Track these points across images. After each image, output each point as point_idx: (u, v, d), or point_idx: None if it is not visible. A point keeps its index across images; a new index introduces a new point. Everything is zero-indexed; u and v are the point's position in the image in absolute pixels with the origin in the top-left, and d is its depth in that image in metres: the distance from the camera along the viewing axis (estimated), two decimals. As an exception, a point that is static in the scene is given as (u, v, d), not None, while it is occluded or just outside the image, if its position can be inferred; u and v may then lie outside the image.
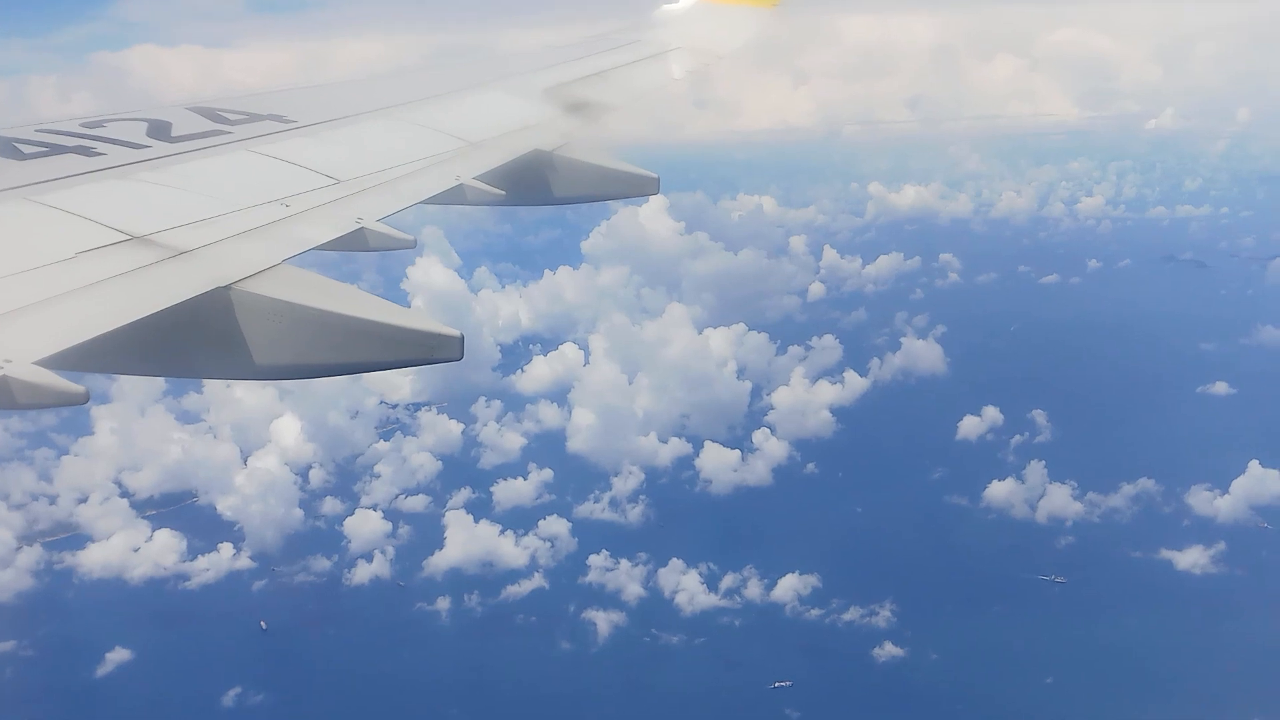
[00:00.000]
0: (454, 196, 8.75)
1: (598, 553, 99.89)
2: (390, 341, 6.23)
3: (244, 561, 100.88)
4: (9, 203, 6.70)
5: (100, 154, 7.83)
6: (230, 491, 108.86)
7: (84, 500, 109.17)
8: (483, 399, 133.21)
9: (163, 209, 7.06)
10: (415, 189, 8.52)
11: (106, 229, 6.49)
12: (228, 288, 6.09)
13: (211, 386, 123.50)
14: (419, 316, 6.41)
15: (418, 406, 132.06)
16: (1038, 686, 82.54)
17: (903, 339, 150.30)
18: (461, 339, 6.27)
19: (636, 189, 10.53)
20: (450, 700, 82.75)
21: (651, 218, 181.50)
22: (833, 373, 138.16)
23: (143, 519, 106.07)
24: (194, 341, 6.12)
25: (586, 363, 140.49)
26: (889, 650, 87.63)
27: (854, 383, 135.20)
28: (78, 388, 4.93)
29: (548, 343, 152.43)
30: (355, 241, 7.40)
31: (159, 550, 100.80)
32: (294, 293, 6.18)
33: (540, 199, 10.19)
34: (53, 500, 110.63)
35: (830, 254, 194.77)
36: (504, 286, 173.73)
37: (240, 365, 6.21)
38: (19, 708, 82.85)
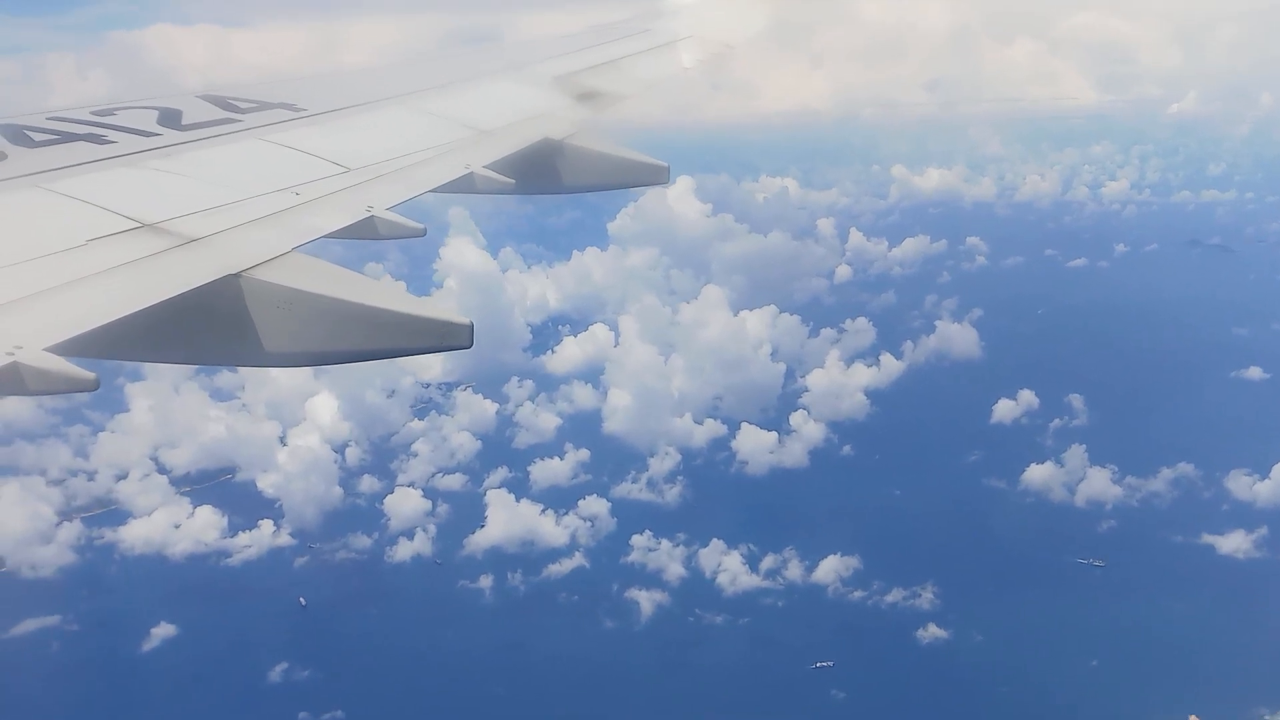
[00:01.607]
0: (464, 185, 8.73)
1: (638, 533, 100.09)
2: (400, 329, 6.23)
3: (284, 539, 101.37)
4: (21, 190, 6.70)
5: (111, 142, 7.83)
6: (269, 469, 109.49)
7: (123, 477, 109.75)
8: (515, 379, 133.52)
9: (173, 197, 7.08)
10: (425, 177, 8.52)
11: (117, 216, 6.51)
12: (238, 275, 6.08)
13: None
14: (429, 304, 6.42)
15: (451, 386, 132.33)
16: (1083, 669, 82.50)
17: (938, 322, 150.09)
18: (471, 327, 6.24)
19: (647, 177, 10.49)
20: (496, 678, 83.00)
21: (679, 200, 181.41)
22: (866, 355, 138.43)
23: (182, 495, 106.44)
24: (204, 329, 6.09)
25: (617, 344, 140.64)
26: (932, 632, 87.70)
27: (889, 365, 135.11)
28: (88, 374, 4.91)
29: (576, 324, 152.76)
30: (365, 230, 7.37)
31: (200, 527, 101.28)
32: (303, 280, 6.18)
33: (550, 188, 10.16)
34: (91, 476, 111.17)
35: (856, 236, 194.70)
36: (529, 267, 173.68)
37: (250, 353, 6.20)
38: (66, 681, 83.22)
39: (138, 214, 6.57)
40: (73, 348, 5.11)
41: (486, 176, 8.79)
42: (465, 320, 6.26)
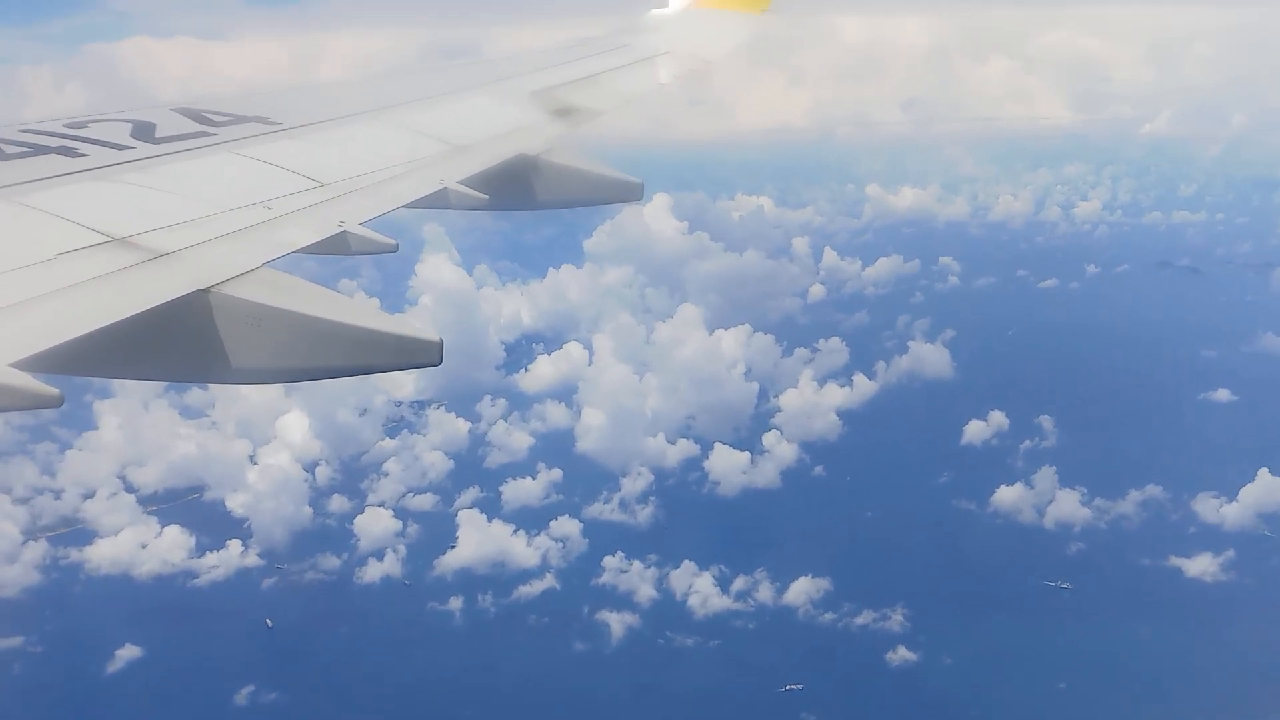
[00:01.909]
0: (437, 200, 8.73)
1: (609, 553, 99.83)
2: (369, 346, 6.22)
3: (252, 559, 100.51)
4: None
5: (83, 155, 7.81)
6: (239, 488, 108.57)
7: (90, 496, 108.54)
8: (488, 397, 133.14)
9: (144, 211, 7.06)
10: (398, 192, 8.50)
11: (87, 230, 6.47)
12: (207, 291, 6.07)
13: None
14: (399, 321, 6.42)
15: (423, 404, 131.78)
16: (1051, 692, 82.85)
17: (910, 342, 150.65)
18: (440, 344, 6.24)
19: (621, 194, 10.46)
20: (465, 700, 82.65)
21: (655, 217, 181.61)
22: (839, 375, 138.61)
23: (149, 515, 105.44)
24: (173, 344, 6.10)
25: (591, 362, 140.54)
26: (902, 654, 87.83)
27: (861, 386, 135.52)
28: (51, 390, 4.86)
29: (550, 342, 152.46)
30: (337, 245, 7.36)
31: (167, 547, 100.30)
32: (273, 296, 6.16)
33: (524, 204, 10.12)
34: (57, 495, 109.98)
35: (830, 256, 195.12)
36: (504, 285, 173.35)
37: (219, 369, 6.19)
38: (28, 703, 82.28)
39: (108, 228, 6.53)
40: (38, 364, 5.07)
41: (460, 192, 8.76)
42: (435, 337, 6.23)
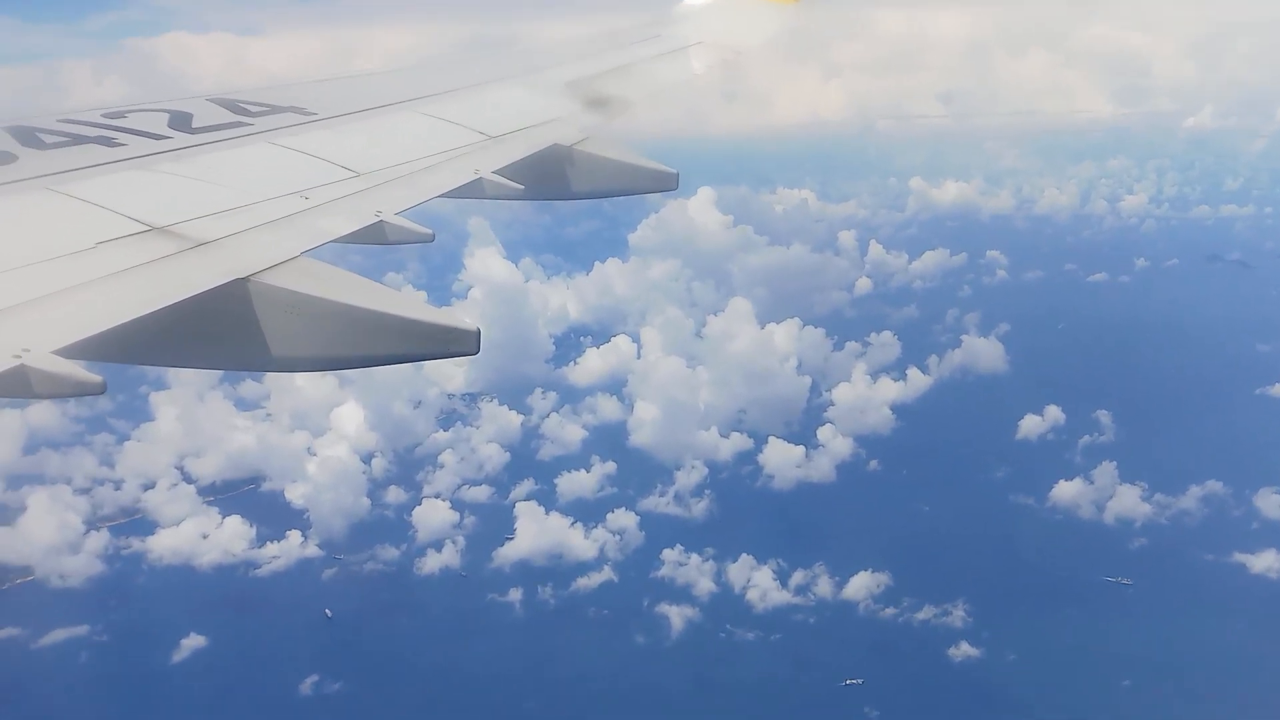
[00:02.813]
0: (473, 190, 8.76)
1: (667, 546, 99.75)
2: (407, 335, 6.25)
3: (312, 549, 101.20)
4: (30, 192, 6.77)
5: (121, 144, 7.88)
6: (297, 479, 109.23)
7: (150, 486, 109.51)
8: (538, 390, 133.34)
9: (183, 200, 7.14)
10: (434, 183, 8.53)
11: (127, 219, 6.56)
12: (246, 279, 6.13)
13: (271, 374, 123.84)
14: (436, 310, 6.44)
15: (474, 397, 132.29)
16: (1116, 689, 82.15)
17: (964, 336, 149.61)
18: (478, 333, 6.27)
19: (656, 184, 10.40)
20: (527, 692, 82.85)
21: (699, 211, 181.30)
22: (892, 369, 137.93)
23: (210, 505, 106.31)
24: (212, 333, 6.17)
25: (639, 356, 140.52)
26: (965, 650, 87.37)
27: (915, 380, 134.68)
28: (95, 377, 4.95)
29: (598, 335, 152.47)
30: (374, 235, 7.42)
31: (228, 537, 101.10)
32: (311, 285, 6.23)
33: (559, 193, 10.14)
34: (117, 486, 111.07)
35: (876, 249, 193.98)
36: (549, 278, 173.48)
37: (257, 357, 6.26)
38: (95, 693, 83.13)
39: (147, 217, 6.63)
40: (81, 351, 5.15)
41: (495, 182, 8.81)
42: (472, 326, 6.29)
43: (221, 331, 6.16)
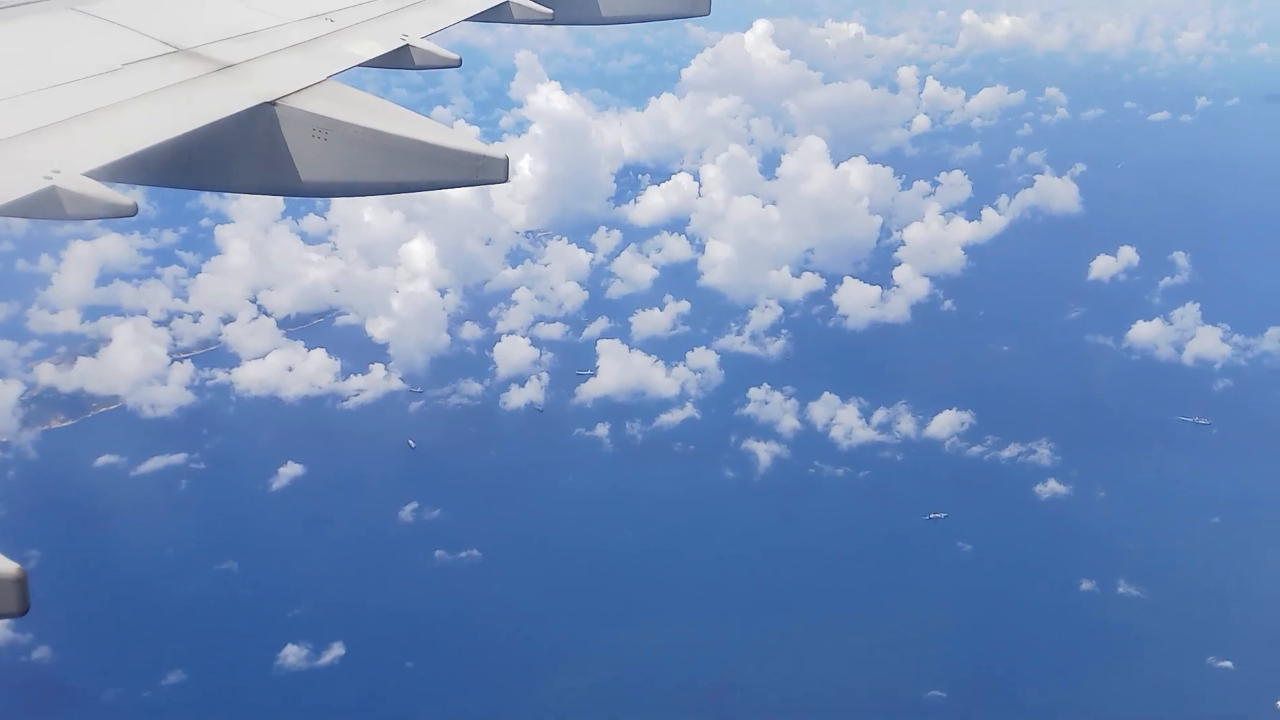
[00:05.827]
0: (501, 15, 8.60)
1: (752, 385, 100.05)
2: (434, 161, 6.20)
3: (395, 383, 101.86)
4: (56, 13, 6.69)
5: None
6: (376, 313, 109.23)
7: (230, 320, 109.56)
8: (602, 228, 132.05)
9: (208, 22, 7.07)
10: (461, 5, 8.38)
11: (153, 41, 6.51)
12: (273, 103, 6.06)
13: (338, 207, 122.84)
14: (463, 137, 6.35)
15: (535, 235, 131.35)
16: (1204, 526, 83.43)
17: (1038, 176, 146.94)
18: (506, 161, 6.20)
19: (686, 9, 10.23)
20: (622, 522, 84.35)
21: (756, 45, 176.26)
22: (962, 209, 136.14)
23: (292, 339, 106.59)
24: (238, 156, 6.12)
25: (700, 194, 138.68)
26: (1052, 487, 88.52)
27: (990, 220, 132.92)
28: (126, 199, 4.94)
29: (655, 173, 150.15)
30: (400, 59, 7.35)
31: (313, 370, 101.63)
32: (339, 110, 6.14)
33: (589, 18, 9.91)
34: (196, 318, 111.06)
35: (932, 86, 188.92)
36: (599, 113, 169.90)
37: (284, 181, 6.21)
38: (196, 517, 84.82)
39: (173, 38, 6.58)
40: (110, 173, 5.14)
41: (523, 6, 8.63)
42: (501, 154, 6.22)
43: (249, 155, 6.11)
